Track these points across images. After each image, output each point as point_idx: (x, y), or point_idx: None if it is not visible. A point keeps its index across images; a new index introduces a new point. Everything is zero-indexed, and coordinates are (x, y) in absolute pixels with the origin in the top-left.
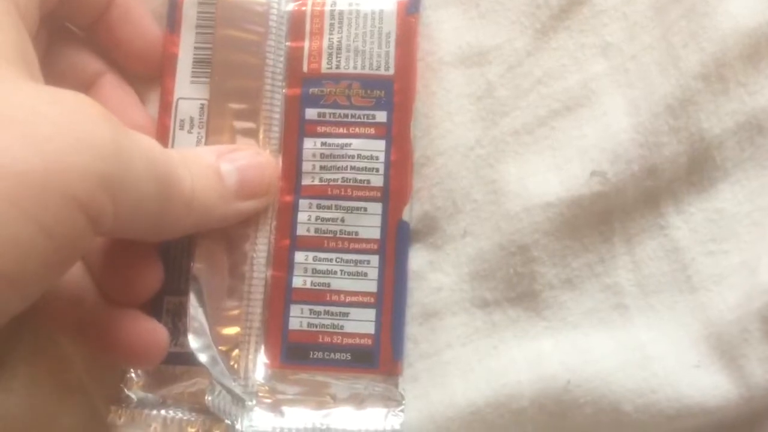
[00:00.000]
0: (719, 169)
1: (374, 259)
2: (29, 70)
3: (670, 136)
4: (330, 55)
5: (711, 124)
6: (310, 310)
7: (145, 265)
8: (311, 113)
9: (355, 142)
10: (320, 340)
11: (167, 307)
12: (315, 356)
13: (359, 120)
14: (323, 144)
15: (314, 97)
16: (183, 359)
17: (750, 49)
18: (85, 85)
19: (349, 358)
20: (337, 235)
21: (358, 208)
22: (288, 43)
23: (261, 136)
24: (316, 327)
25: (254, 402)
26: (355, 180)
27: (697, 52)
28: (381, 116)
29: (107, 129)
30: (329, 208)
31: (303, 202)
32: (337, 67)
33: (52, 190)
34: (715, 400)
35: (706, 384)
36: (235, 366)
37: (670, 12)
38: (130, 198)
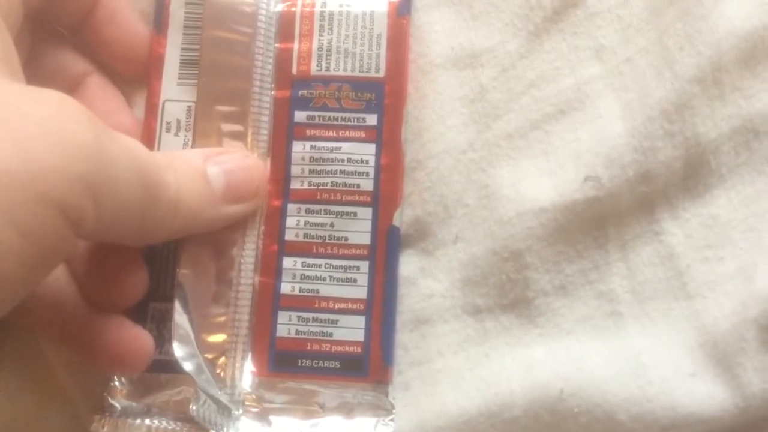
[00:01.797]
0: (714, 174)
1: (364, 265)
2: (10, 70)
3: (666, 140)
4: (320, 56)
5: (707, 129)
6: (299, 317)
7: (129, 271)
8: (300, 116)
9: (345, 146)
10: (309, 347)
11: (152, 313)
12: (303, 364)
13: (349, 123)
14: (312, 147)
15: (303, 100)
16: (168, 367)
17: (746, 52)
18: (71, 86)
19: (338, 366)
20: (326, 241)
21: (347, 213)
22: (277, 45)
23: (249, 139)
24: (305, 334)
25: (241, 411)
26: (345, 184)
27: (693, 55)
28: (371, 119)
29: (90, 129)
30: (318, 212)
31: (291, 207)
32: (327, 69)
33: (31, 191)
34: (711, 410)
35: (702, 393)
36: (222, 374)
37: (665, 15)
38: (113, 200)
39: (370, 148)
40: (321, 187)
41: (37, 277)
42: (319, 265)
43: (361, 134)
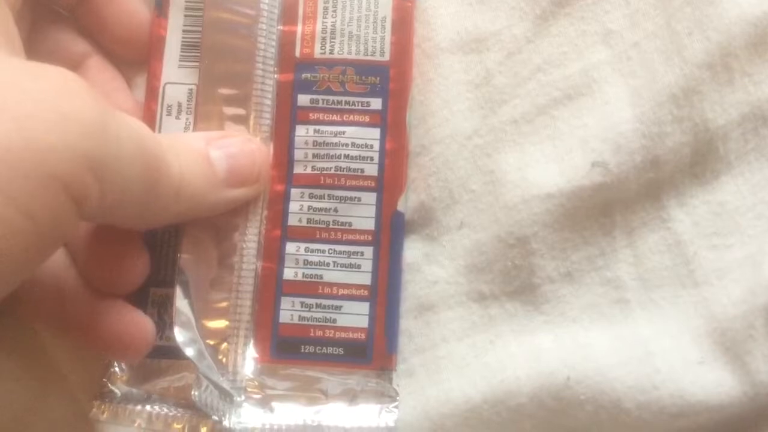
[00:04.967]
0: (723, 160)
1: (368, 251)
2: (11, 47)
3: (674, 126)
4: (323, 39)
5: (715, 115)
6: (302, 302)
7: (131, 255)
8: (304, 99)
9: (349, 130)
10: (312, 333)
11: (153, 298)
12: (306, 350)
13: (353, 107)
14: (316, 131)
15: (307, 83)
16: (169, 353)
17: (755, 38)
18: (71, 68)
19: (342, 352)
20: (330, 226)
21: (351, 198)
22: (280, 27)
23: (252, 122)
24: (308, 320)
25: (243, 397)
26: (349, 169)
27: (702, 40)
28: (376, 103)
29: (93, 106)
30: (322, 197)
31: (295, 192)
32: (331, 52)
33: (34, 169)
34: (719, 398)
35: (710, 381)
36: (224, 360)
37: None
38: (116, 180)
39: (375, 133)
40: (325, 172)
41: (39, 257)
42: (323, 251)
43: (366, 118)
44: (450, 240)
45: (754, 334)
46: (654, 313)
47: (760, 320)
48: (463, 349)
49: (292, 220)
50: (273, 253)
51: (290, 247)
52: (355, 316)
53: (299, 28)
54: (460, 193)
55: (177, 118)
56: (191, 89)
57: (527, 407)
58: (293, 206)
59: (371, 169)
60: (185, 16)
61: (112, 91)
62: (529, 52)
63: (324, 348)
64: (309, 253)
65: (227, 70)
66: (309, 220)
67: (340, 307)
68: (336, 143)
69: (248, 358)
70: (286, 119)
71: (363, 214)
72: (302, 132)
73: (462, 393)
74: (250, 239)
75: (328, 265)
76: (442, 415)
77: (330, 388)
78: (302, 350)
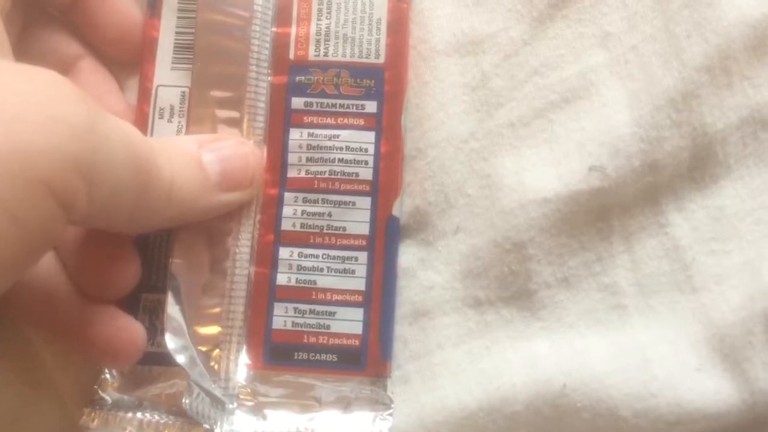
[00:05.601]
0: (722, 165)
1: (362, 256)
2: (1, 51)
3: (672, 130)
4: (318, 41)
5: (714, 119)
6: (295, 308)
7: (122, 260)
8: (298, 102)
9: (344, 134)
10: (305, 340)
11: (144, 304)
12: (300, 357)
13: (348, 110)
14: (310, 135)
15: (301, 86)
16: (160, 360)
17: (755, 41)
18: (62, 70)
19: (336, 359)
20: (324, 231)
21: (346, 203)
22: (274, 29)
23: (245, 125)
24: (301, 326)
25: (235, 405)
26: (343, 173)
27: (700, 43)
28: (371, 106)
29: (82, 109)
30: (316, 202)
31: (288, 196)
32: (325, 54)
33: (21, 172)
34: (717, 406)
35: (708, 388)
36: (216, 367)
37: (672, 2)
38: (105, 183)
39: (370, 136)
40: (319, 176)
41: (26, 262)
42: (317, 256)
43: (360, 122)
44: (446, 245)
45: (753, 341)
46: (652, 319)
47: (759, 327)
48: (459, 356)
49: (286, 225)
50: (266, 258)
51: (284, 252)
52: (349, 323)
53: (293, 30)
54: (455, 197)
55: (169, 121)
56: (184, 92)
57: (523, 415)
58: (287, 210)
59: (366, 173)
60: (178, 17)
61: (104, 93)
62: (525, 55)
63: (318, 355)
64: (302, 258)
65: (220, 72)
66: (303, 225)
67: (334, 313)
68: (330, 147)
69: (241, 365)
70: (280, 122)
71: (357, 219)
72: (296, 135)
73: (457, 400)
74: (243, 244)
75: (321, 270)
76: (437, 422)
77: (324, 396)
78: (295, 357)
